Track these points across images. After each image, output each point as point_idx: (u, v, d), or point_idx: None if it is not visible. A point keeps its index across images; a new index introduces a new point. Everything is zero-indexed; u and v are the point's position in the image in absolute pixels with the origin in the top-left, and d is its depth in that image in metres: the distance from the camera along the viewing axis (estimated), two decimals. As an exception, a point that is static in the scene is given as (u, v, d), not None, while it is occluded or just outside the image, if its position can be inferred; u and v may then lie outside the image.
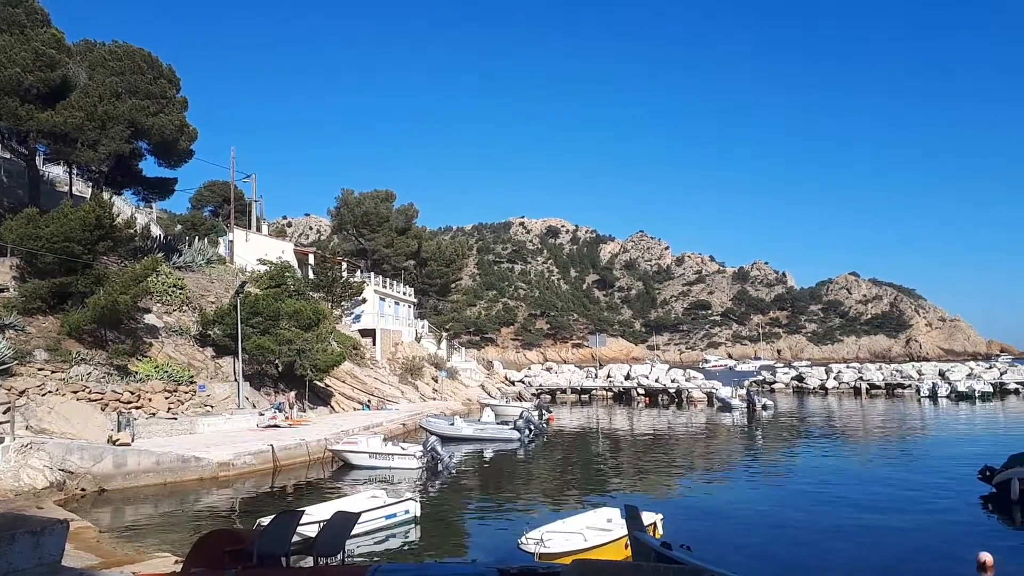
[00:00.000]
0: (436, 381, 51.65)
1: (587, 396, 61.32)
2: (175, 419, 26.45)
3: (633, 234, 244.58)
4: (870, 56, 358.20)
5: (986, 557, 12.49)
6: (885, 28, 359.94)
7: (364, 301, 53.04)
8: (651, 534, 12.44)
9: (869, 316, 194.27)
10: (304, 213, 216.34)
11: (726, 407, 48.02)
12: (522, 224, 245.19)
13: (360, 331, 50.20)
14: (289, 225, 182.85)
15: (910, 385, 62.62)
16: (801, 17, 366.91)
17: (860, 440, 32.63)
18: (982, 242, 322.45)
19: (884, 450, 29.13)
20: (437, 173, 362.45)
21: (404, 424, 34.13)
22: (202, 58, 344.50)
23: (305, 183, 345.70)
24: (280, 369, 34.14)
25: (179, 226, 52.83)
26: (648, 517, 13.40)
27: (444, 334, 70.39)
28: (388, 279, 60.62)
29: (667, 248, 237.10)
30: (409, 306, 63.22)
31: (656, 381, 60.39)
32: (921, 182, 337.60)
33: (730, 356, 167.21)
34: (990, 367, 77.56)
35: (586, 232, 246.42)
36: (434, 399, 47.41)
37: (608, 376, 66.15)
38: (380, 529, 15.40)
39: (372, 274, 58.00)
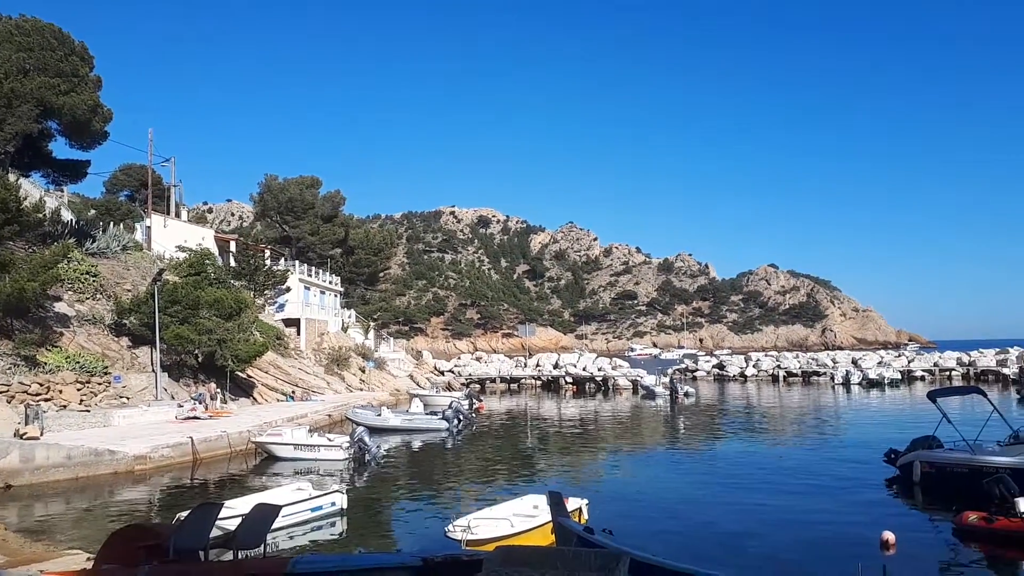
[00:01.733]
0: (363, 371, 51.05)
1: (516, 385, 61.81)
2: (88, 411, 25.42)
3: (563, 225, 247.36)
4: (794, 50, 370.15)
5: (889, 536, 13.14)
6: (815, 22, 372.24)
7: (288, 290, 51.92)
8: (576, 519, 12.63)
9: (787, 306, 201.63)
10: (226, 199, 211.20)
11: (650, 395, 49.11)
12: (453, 213, 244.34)
13: (284, 321, 49.14)
14: (210, 211, 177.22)
15: (825, 373, 65.29)
16: (747, 7, 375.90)
17: (776, 426, 33.90)
18: (894, 236, 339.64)
19: (798, 435, 30.34)
20: (365, 160, 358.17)
21: (330, 415, 33.67)
22: (120, 40, 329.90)
23: (227, 168, 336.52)
24: (200, 359, 33.20)
25: (93, 211, 50.41)
26: (573, 503, 13.62)
27: (372, 324, 69.56)
28: (314, 267, 59.44)
29: (595, 239, 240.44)
30: (336, 295, 62.21)
31: (584, 370, 61.40)
32: (836, 177, 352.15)
33: (655, 345, 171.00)
34: (899, 356, 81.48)
35: (517, 222, 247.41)
36: (361, 390, 46.87)
37: (537, 365, 66.81)
38: (306, 522, 15.17)
39: (297, 262, 56.76)
